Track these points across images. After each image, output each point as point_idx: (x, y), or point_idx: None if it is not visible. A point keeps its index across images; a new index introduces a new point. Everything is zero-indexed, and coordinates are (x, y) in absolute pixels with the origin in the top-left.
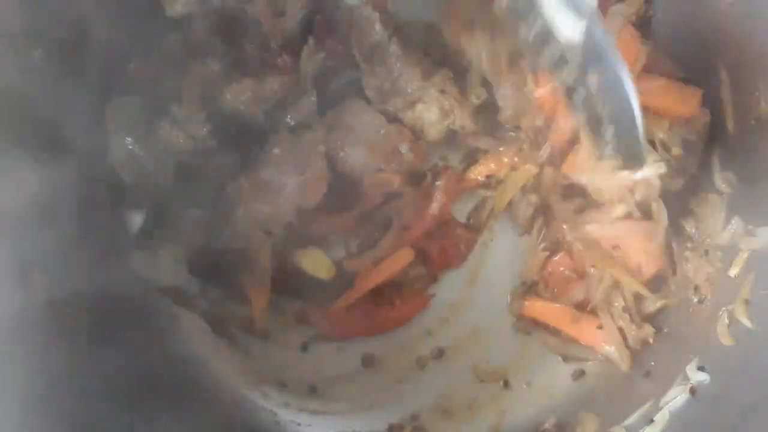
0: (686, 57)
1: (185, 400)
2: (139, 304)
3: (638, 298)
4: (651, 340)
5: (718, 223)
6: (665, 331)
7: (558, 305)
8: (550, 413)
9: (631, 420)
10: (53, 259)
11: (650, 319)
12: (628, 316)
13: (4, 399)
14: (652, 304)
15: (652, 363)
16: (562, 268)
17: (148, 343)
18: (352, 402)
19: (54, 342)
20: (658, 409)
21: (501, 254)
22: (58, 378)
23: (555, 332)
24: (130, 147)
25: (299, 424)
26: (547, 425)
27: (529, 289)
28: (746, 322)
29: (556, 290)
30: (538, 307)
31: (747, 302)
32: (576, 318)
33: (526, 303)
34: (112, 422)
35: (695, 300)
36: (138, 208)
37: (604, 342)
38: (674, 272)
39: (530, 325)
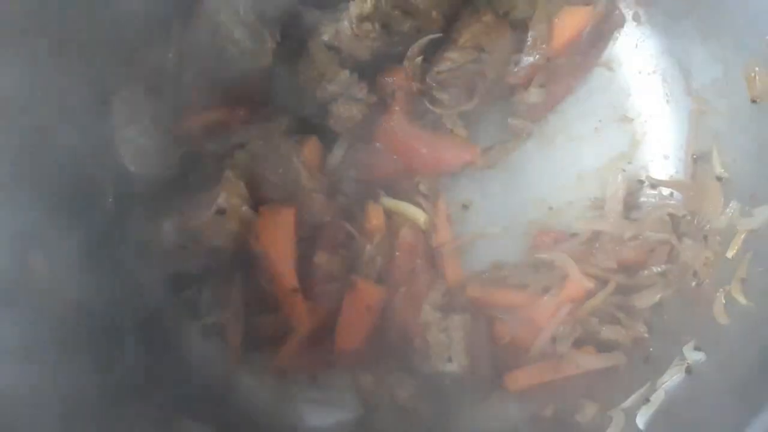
0: None
1: (182, 387)
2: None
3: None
4: (645, 336)
5: (716, 209)
6: (664, 318)
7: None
8: (549, 402)
9: (628, 402)
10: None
11: (648, 311)
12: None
13: None
14: (650, 298)
15: (651, 349)
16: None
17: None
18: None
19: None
20: (654, 389)
21: None
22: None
23: None
24: (137, 138)
25: (299, 413)
26: (546, 412)
27: None
28: (742, 299)
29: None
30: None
31: (743, 281)
32: None
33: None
34: None
35: (693, 284)
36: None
37: None
38: (673, 262)
39: None
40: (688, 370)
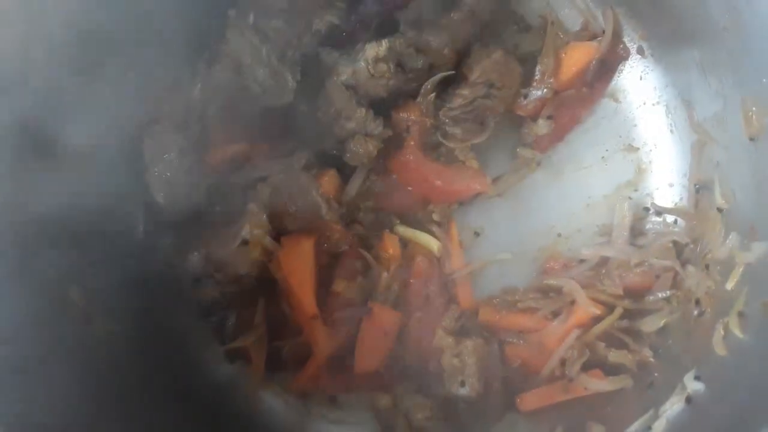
0: None
1: (209, 407)
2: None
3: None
4: (651, 360)
5: (717, 239)
6: (669, 343)
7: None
8: (558, 423)
9: (632, 428)
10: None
11: (653, 336)
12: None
13: None
14: (656, 323)
15: (656, 374)
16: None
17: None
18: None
19: None
20: (657, 417)
21: None
22: None
23: None
24: (165, 172)
25: None
26: None
27: None
28: (738, 333)
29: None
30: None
31: (741, 314)
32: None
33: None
34: None
35: (695, 313)
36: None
37: None
38: (678, 288)
39: None
40: (688, 400)
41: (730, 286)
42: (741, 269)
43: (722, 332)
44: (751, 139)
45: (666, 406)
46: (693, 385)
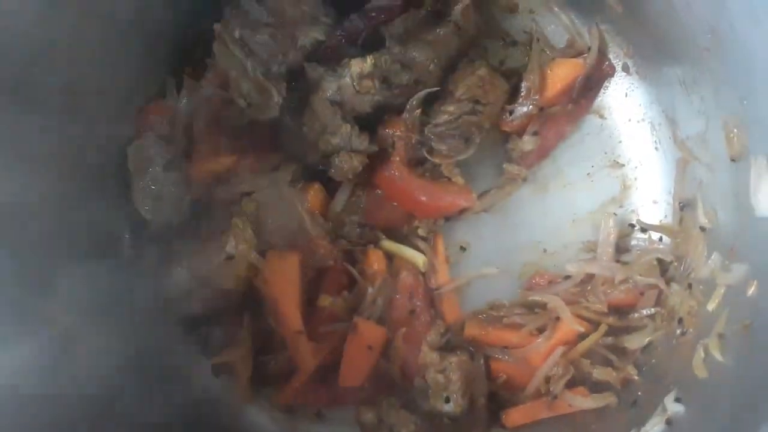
0: None
1: (194, 422)
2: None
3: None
4: (635, 377)
5: (700, 258)
6: (653, 361)
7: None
8: None
9: None
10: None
11: (638, 353)
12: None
13: None
14: (641, 340)
15: (639, 393)
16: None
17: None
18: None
19: None
20: None
21: None
22: None
23: None
24: (151, 186)
25: None
26: None
27: None
28: (718, 355)
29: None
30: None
31: (721, 336)
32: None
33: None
34: None
35: (678, 332)
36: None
37: None
38: (662, 306)
39: None
40: (668, 422)
41: (711, 307)
42: (722, 290)
43: (703, 354)
44: (733, 160)
45: (647, 428)
46: (673, 407)
